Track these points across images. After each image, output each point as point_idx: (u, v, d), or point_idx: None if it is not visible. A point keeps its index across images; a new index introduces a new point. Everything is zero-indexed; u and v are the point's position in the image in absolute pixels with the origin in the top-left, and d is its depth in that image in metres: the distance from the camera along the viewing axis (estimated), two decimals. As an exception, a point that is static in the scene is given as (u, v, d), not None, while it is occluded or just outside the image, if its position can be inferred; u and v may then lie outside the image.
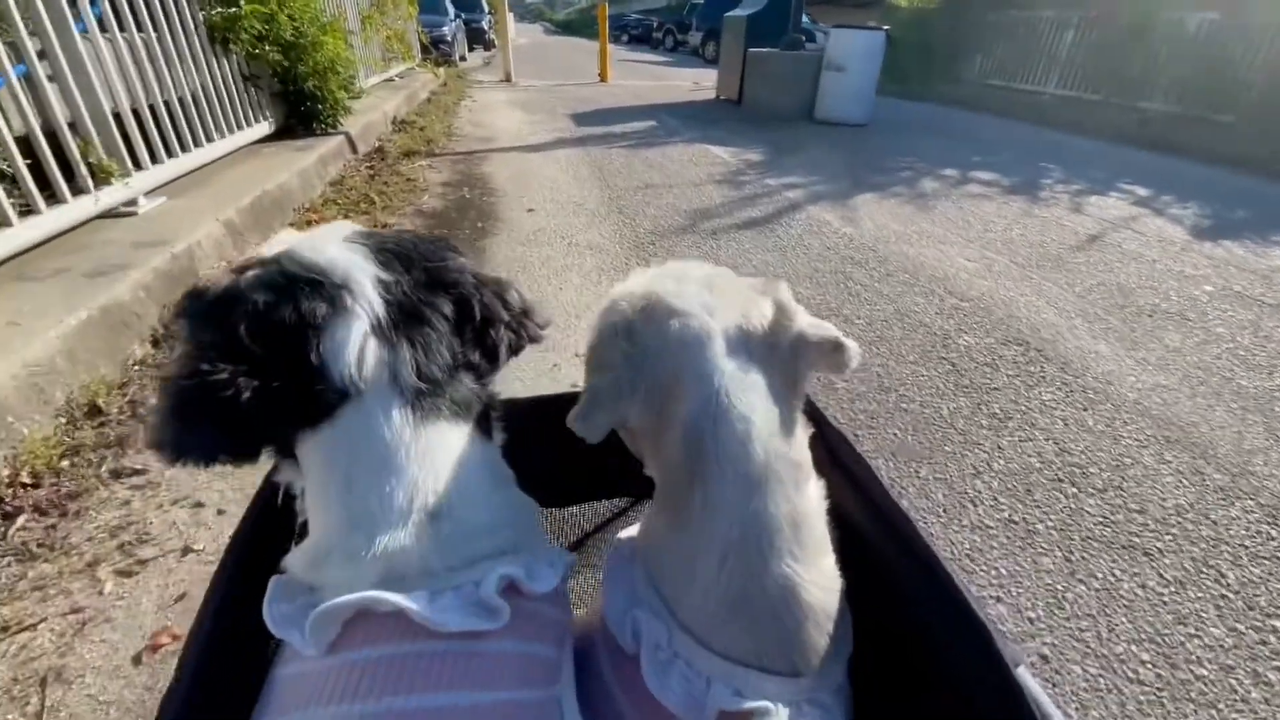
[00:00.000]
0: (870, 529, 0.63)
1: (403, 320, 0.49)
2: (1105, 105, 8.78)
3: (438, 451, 0.49)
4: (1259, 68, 6.93)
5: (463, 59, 15.55)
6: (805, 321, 0.57)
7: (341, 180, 3.86)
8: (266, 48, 3.58)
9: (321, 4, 4.03)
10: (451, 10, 15.25)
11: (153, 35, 2.83)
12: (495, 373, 0.56)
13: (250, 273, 0.47)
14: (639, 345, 0.55)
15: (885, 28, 7.04)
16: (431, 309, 0.51)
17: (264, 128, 3.93)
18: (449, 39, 13.50)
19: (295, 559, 0.49)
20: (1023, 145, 6.66)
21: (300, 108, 4.19)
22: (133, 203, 2.55)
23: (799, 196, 4.12)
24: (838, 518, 0.58)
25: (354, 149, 4.48)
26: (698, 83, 11.56)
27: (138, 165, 2.60)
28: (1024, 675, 0.46)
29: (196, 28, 3.16)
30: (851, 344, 0.56)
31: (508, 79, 10.76)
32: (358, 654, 0.43)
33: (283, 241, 0.51)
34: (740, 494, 0.50)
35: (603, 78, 11.27)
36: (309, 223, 3.07)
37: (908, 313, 2.47)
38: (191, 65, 3.09)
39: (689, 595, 0.52)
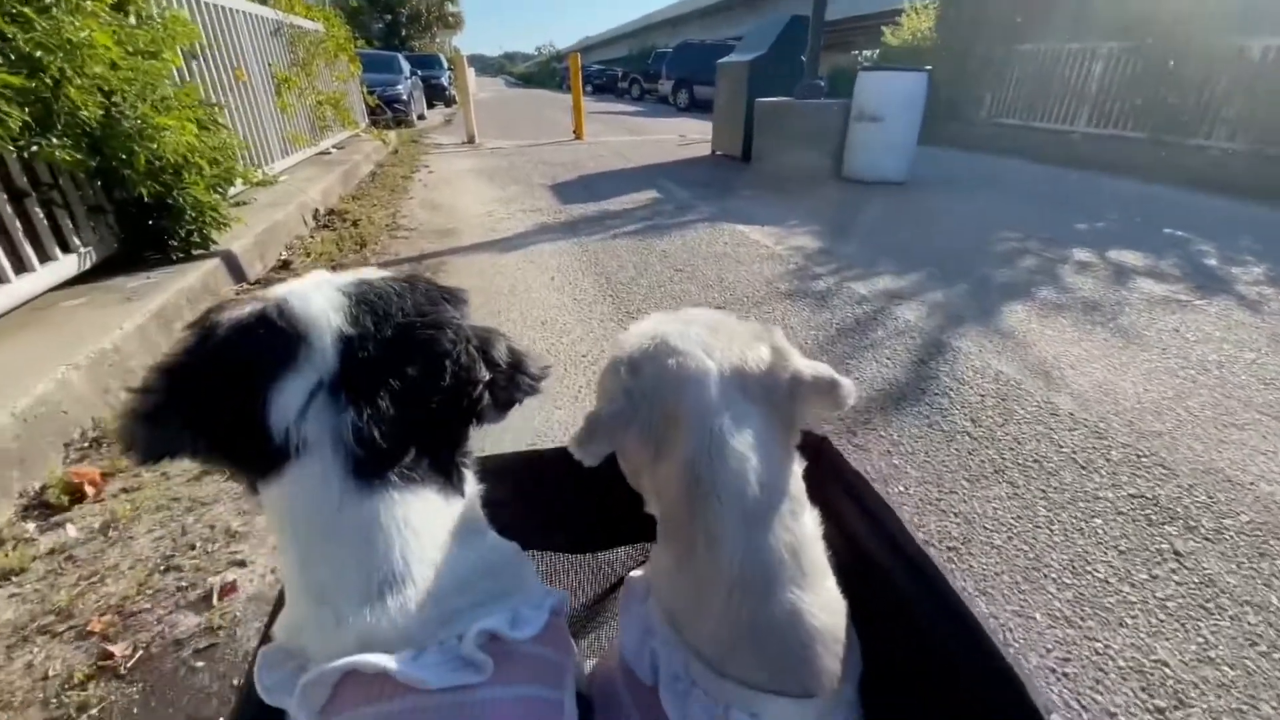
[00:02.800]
0: (899, 575, 0.63)
1: (358, 380, 0.47)
2: (1154, 144, 7.71)
3: (386, 519, 0.47)
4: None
5: (421, 118, 14.32)
6: (800, 362, 0.58)
7: (196, 346, 2.35)
8: (53, 141, 2.09)
9: (162, 68, 2.56)
10: (407, 68, 14.07)
11: None
12: (483, 425, 0.55)
13: (243, 310, 0.47)
14: (639, 380, 0.57)
15: (927, 68, 5.85)
16: (393, 370, 0.48)
17: (65, 266, 2.41)
18: (404, 98, 12.25)
19: (281, 625, 0.49)
20: (1110, 200, 5.44)
21: (147, 221, 2.70)
22: None
23: (920, 318, 2.71)
24: (859, 558, 0.64)
25: (238, 275, 2.97)
26: (684, 135, 10.42)
27: None
28: None
29: None
30: (846, 381, 0.57)
31: (471, 140, 9.44)
32: (352, 714, 0.42)
33: (295, 283, 0.51)
34: (740, 527, 0.52)
35: (578, 135, 10.03)
36: (74, 493, 1.54)
37: None
38: None
39: (701, 626, 0.53)
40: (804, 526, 0.56)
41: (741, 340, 0.59)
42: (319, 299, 0.49)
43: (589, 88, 28.76)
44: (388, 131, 8.26)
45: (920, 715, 0.61)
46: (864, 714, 0.57)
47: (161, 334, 2.26)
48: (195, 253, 2.83)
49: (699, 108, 16.54)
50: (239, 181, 3.73)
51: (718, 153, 7.94)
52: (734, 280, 3.22)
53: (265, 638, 0.53)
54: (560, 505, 0.79)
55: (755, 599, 0.51)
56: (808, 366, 0.58)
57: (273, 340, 0.46)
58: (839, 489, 0.71)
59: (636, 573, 0.66)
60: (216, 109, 3.07)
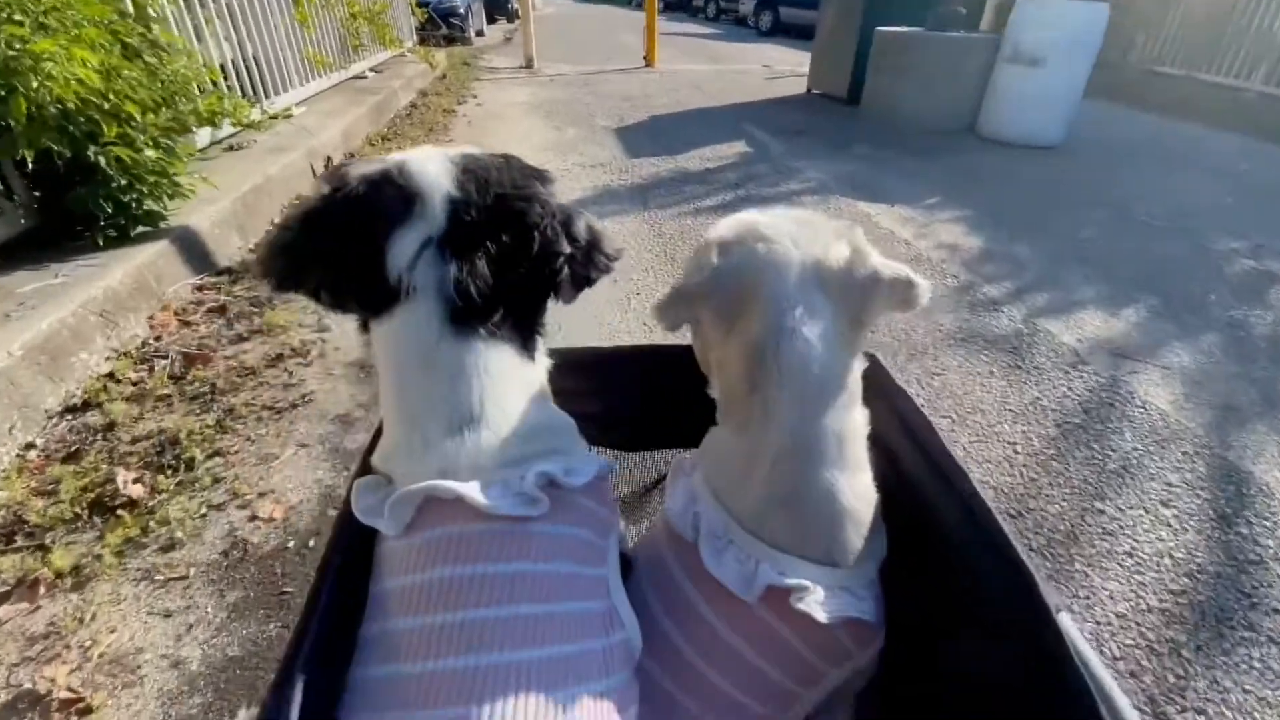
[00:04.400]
0: (924, 475, 0.65)
1: (459, 240, 0.52)
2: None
3: (471, 364, 0.53)
4: None
5: (480, 34, 13.11)
6: (879, 261, 0.59)
7: (101, 396, 1.61)
8: None
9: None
10: (466, -24, 12.79)
11: None
12: (559, 301, 0.59)
13: (369, 168, 0.53)
14: (727, 258, 0.60)
15: (1112, -4, 4.49)
16: (489, 235, 0.53)
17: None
18: (461, 11, 11.12)
19: (377, 454, 0.57)
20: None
21: (69, 191, 1.94)
22: None
23: (1175, 405, 1.76)
24: (892, 462, 0.67)
25: (201, 261, 2.21)
26: (770, 66, 9.03)
27: None
28: (1065, 620, 0.46)
29: None
30: (922, 280, 0.58)
31: (529, 65, 8.33)
32: (431, 533, 0.50)
33: (413, 151, 0.57)
34: (796, 406, 0.56)
35: (649, 61, 8.79)
36: None
37: None
38: None
39: (743, 492, 0.58)
40: (854, 420, 0.59)
41: (826, 235, 0.60)
42: (433, 165, 0.54)
43: (661, 4, 26.47)
44: (437, 51, 7.29)
45: (936, 607, 0.62)
46: (884, 595, 0.60)
47: (42, 377, 1.53)
48: (139, 231, 2.07)
49: (784, 32, 14.73)
50: (226, 122, 2.94)
51: (814, 91, 6.67)
52: (869, 302, 2.28)
53: (361, 471, 0.58)
54: (617, 403, 0.83)
55: (796, 472, 0.56)
56: (885, 266, 0.59)
57: (395, 195, 0.52)
58: (883, 404, 0.69)
59: (685, 455, 0.69)
60: (158, 25, 2.20)
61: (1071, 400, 1.77)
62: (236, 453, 1.51)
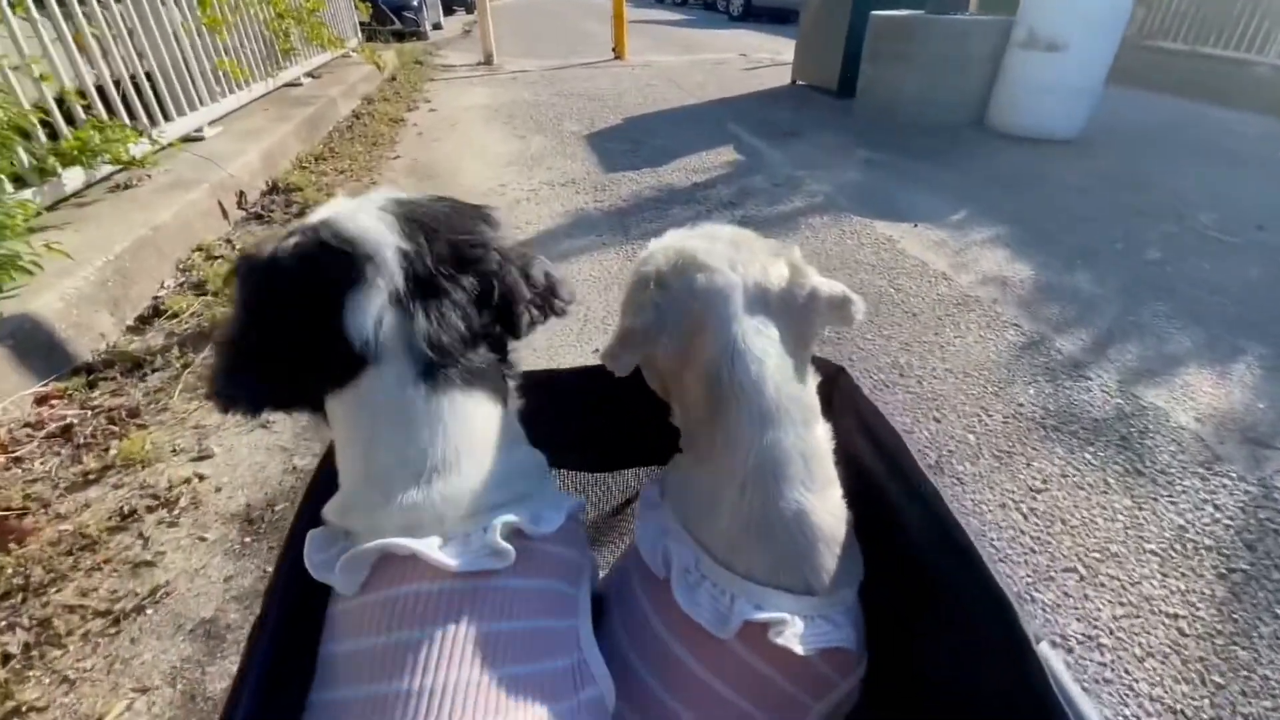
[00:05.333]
0: (904, 503, 0.62)
1: (420, 292, 0.50)
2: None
3: (448, 415, 0.50)
4: None
5: (437, 27, 12.36)
6: (817, 279, 0.60)
7: None
8: None
9: None
10: (420, -34, 12.00)
11: None
12: (517, 341, 0.58)
13: (291, 240, 0.49)
14: (668, 294, 0.58)
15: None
16: (450, 282, 0.52)
17: None
18: (414, 3, 10.41)
19: (331, 507, 0.52)
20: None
21: None
22: None
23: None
24: (868, 485, 0.64)
25: (46, 361, 1.65)
26: (746, 55, 8.51)
27: None
28: (1046, 651, 0.45)
29: None
30: (857, 298, 0.60)
31: (488, 61, 7.71)
32: (386, 592, 0.46)
33: (329, 208, 0.53)
34: (756, 428, 0.54)
35: (619, 53, 8.21)
36: None
37: None
38: None
39: (714, 523, 0.55)
40: (815, 435, 0.57)
41: (762, 256, 0.60)
42: (366, 217, 0.50)
43: (626, -10, 25.59)
44: (385, 50, 6.65)
45: (916, 635, 0.61)
46: (863, 617, 0.57)
47: None
48: (-53, 329, 1.52)
49: (756, 16, 14.18)
50: (105, 160, 2.36)
51: (800, 82, 6.17)
52: (921, 370, 1.80)
53: (307, 524, 0.53)
54: (576, 425, 0.79)
55: (765, 495, 0.53)
56: (824, 283, 0.60)
57: (340, 262, 0.48)
58: (852, 418, 0.69)
59: (651, 484, 0.67)
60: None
61: (1225, 527, 1.31)
62: (43, 711, 0.99)
